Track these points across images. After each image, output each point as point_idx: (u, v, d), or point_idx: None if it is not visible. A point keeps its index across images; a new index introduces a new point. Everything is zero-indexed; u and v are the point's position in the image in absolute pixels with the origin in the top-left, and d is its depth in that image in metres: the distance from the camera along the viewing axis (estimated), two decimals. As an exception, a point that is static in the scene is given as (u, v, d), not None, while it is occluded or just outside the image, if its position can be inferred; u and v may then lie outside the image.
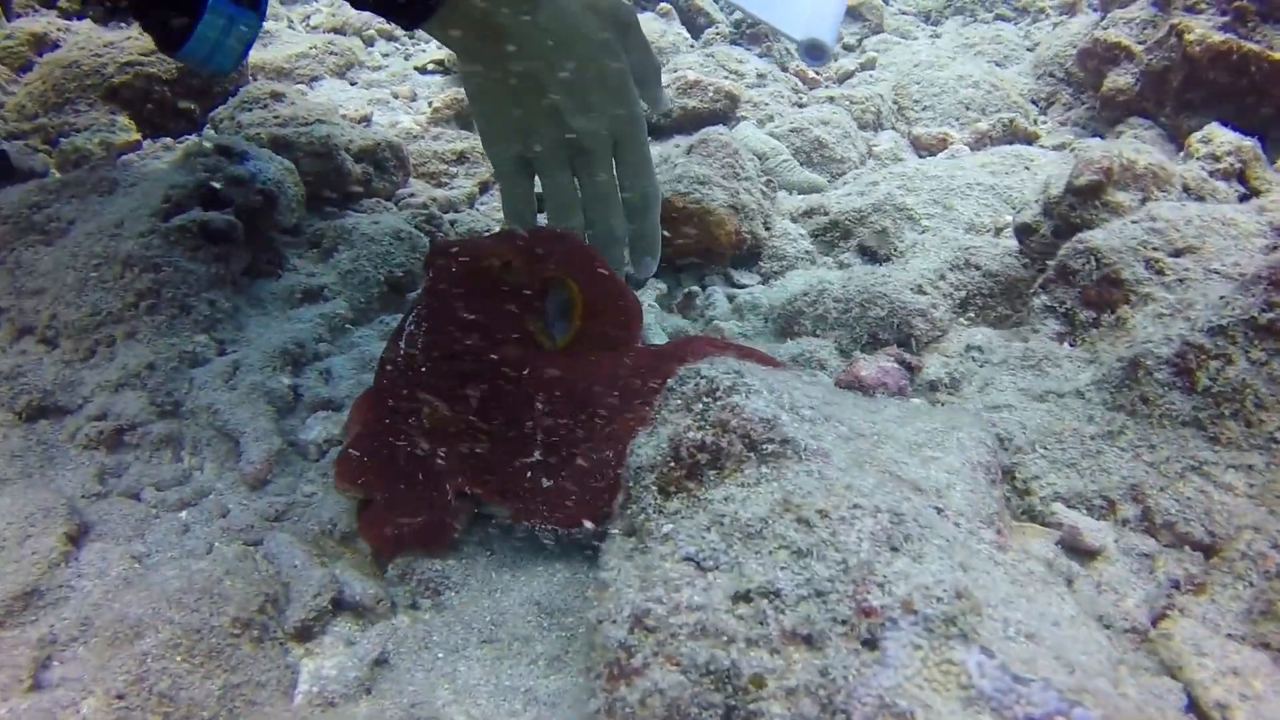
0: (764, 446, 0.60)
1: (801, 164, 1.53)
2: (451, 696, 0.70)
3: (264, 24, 1.08)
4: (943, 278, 1.09)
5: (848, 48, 2.28)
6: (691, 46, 2.04)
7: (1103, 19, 1.79)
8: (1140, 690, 0.56)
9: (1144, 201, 1.03)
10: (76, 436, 1.02)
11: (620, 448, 0.81)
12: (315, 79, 1.95)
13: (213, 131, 1.57)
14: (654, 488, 0.62)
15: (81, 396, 1.06)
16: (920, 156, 1.69)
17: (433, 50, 2.12)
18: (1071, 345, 0.95)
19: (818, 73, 2.03)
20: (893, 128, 1.77)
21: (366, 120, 1.77)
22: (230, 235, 1.18)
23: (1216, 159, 1.14)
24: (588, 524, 0.79)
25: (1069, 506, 0.78)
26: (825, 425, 0.64)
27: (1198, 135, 1.20)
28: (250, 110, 1.48)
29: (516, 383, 0.88)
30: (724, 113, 1.64)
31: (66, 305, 1.11)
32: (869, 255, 1.27)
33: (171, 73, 1.65)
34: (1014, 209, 1.29)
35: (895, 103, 1.82)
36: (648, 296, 1.22)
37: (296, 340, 1.13)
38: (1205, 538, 0.73)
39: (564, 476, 0.82)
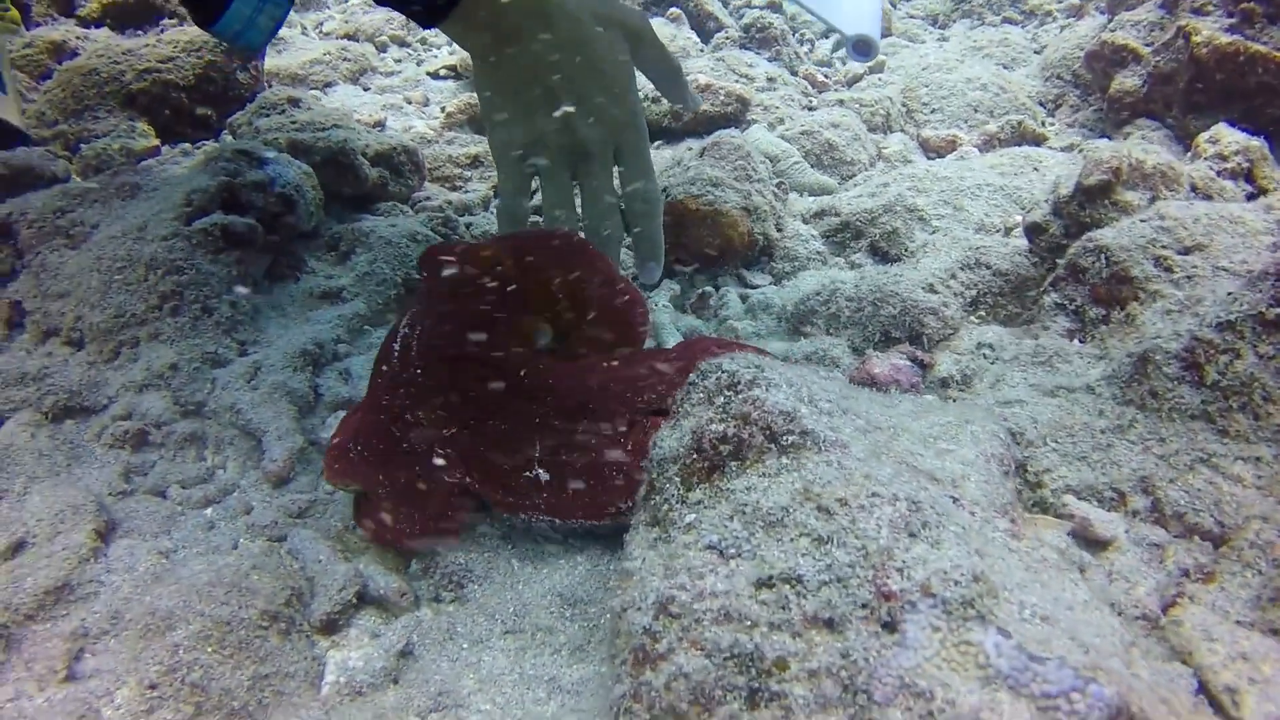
0: (784, 438, 0.62)
1: (812, 166, 1.54)
2: (476, 685, 0.71)
3: (290, 11, 1.12)
4: (953, 277, 1.11)
5: (856, 51, 2.30)
6: (701, 51, 2.06)
7: (1110, 22, 1.80)
8: (1152, 672, 0.57)
9: (1153, 200, 1.04)
10: (102, 436, 1.03)
11: (621, 445, 0.83)
12: (329, 85, 1.98)
13: (230, 137, 1.59)
14: (677, 479, 0.63)
15: (107, 397, 1.08)
16: (929, 158, 1.71)
17: (444, 56, 2.15)
18: (1081, 342, 0.97)
19: (826, 76, 2.05)
20: (901, 130, 1.78)
21: (380, 125, 1.79)
22: (251, 238, 1.20)
23: (1224, 158, 1.16)
24: (584, 520, 0.82)
25: (1080, 498, 0.79)
26: (843, 418, 0.66)
27: (1205, 135, 1.21)
28: (268, 115, 1.50)
29: (510, 383, 0.89)
30: (735, 116, 1.66)
31: (91, 308, 1.13)
32: (880, 255, 1.28)
33: (189, 79, 1.67)
34: (1023, 209, 1.30)
35: (904, 105, 1.84)
36: (661, 297, 1.24)
37: (316, 341, 1.15)
38: (1214, 528, 0.74)
39: (564, 473, 0.84)
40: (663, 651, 0.57)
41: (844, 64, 2.22)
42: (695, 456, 0.63)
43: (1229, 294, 0.82)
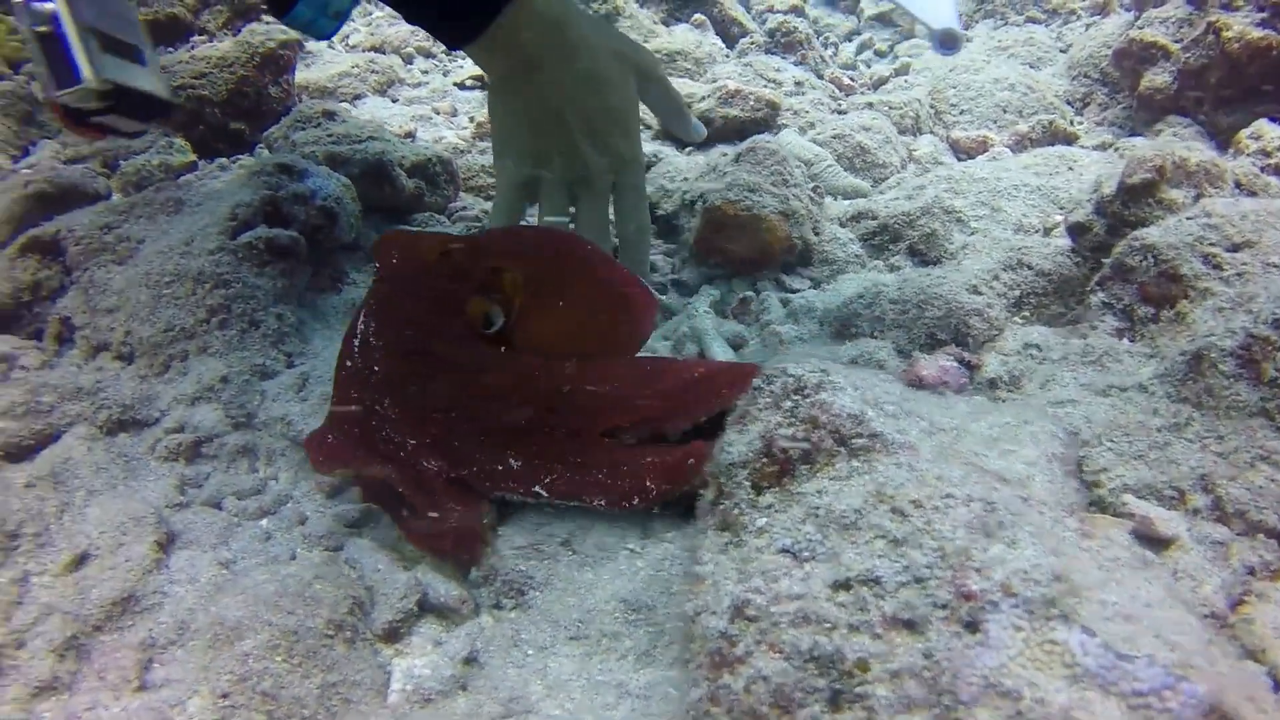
0: (854, 441, 0.62)
1: (844, 170, 1.55)
2: (545, 692, 0.72)
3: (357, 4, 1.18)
4: (996, 278, 1.11)
5: (880, 54, 2.30)
6: (727, 56, 2.07)
7: (1137, 19, 1.80)
8: (1232, 669, 0.57)
9: (1197, 198, 1.04)
10: (156, 449, 1.05)
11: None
12: (358, 97, 1.99)
13: (266, 151, 1.60)
14: (747, 483, 0.64)
15: (159, 410, 1.09)
16: (959, 159, 1.71)
17: (470, 66, 2.16)
18: (1131, 341, 0.97)
19: (852, 79, 2.05)
20: (930, 132, 1.79)
21: (411, 136, 1.80)
22: (295, 251, 1.21)
23: (1268, 154, 1.16)
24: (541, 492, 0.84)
25: (1139, 497, 0.79)
26: (907, 420, 0.66)
27: (1247, 131, 1.21)
28: (304, 129, 1.52)
29: (465, 376, 0.90)
30: (765, 121, 1.66)
31: (141, 322, 1.14)
32: (919, 258, 1.28)
33: (222, 95, 1.68)
34: (1061, 209, 1.30)
35: (932, 107, 1.84)
36: (701, 303, 1.24)
37: (363, 352, 1.16)
38: (1278, 525, 0.74)
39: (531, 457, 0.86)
40: (740, 655, 0.57)
41: (868, 67, 2.23)
42: (765, 461, 0.64)
43: (1283, 290, 0.82)
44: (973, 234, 1.26)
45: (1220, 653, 0.55)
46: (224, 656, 0.76)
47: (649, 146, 1.57)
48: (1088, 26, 2.15)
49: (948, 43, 1.16)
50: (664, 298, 1.29)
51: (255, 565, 0.89)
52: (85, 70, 0.95)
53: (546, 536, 0.83)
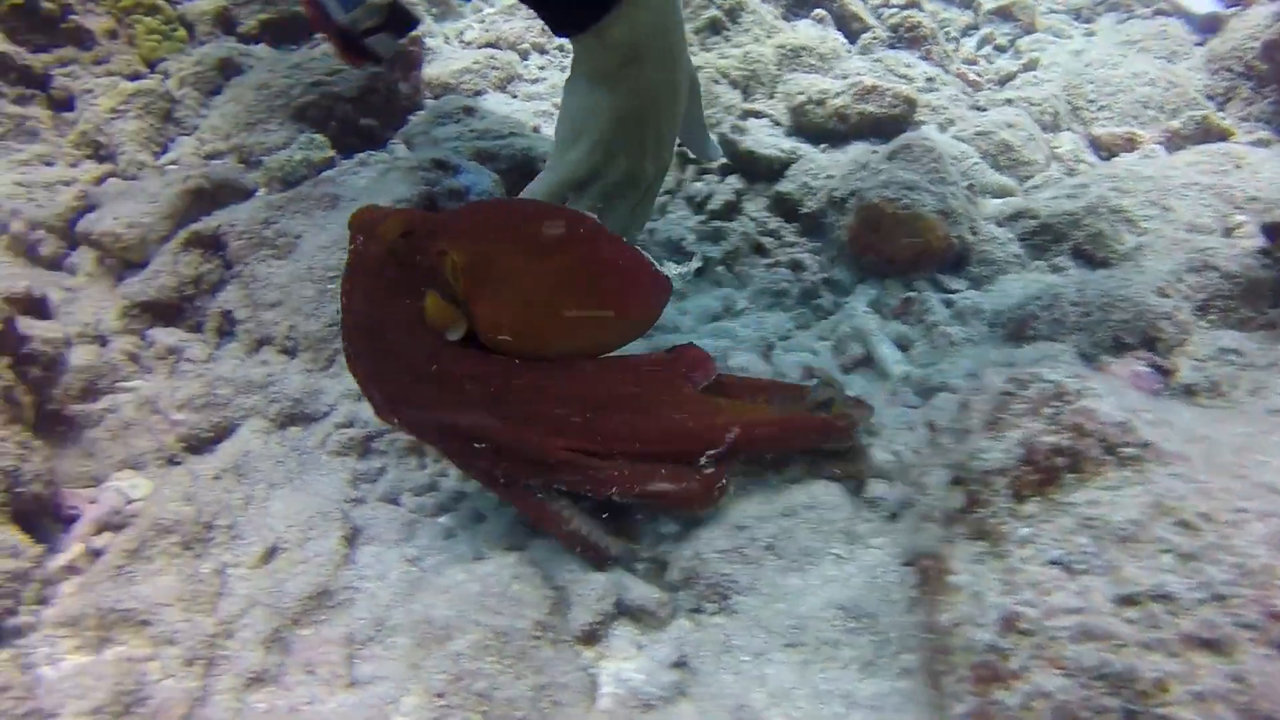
0: (1122, 450, 0.60)
1: (990, 167, 1.51)
2: (768, 700, 0.70)
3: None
4: (1180, 280, 1.07)
5: (1000, 49, 2.25)
6: (849, 52, 2.03)
7: (1288, 11, 1.73)
8: None
9: None
10: (327, 443, 1.05)
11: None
12: (479, 93, 1.99)
13: (403, 146, 1.61)
14: (1007, 491, 0.61)
15: (326, 404, 1.10)
16: (1101, 157, 1.66)
17: (586, 63, 2.15)
18: (1346, 347, 0.92)
19: (978, 75, 2.00)
20: (1069, 129, 1.74)
21: (536, 131, 1.80)
22: (453, 247, 1.21)
23: None
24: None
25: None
26: (1168, 428, 0.63)
27: None
28: (444, 125, 1.52)
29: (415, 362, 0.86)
30: (903, 118, 1.62)
31: (305, 317, 1.15)
32: (1085, 259, 1.24)
33: (354, 91, 1.70)
34: (1238, 208, 1.25)
35: (1068, 103, 1.79)
36: (859, 303, 1.22)
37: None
38: None
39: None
40: (1015, 669, 0.55)
41: (989, 63, 2.17)
42: (1027, 469, 0.61)
43: None
44: (1143, 235, 1.22)
45: None
46: (435, 656, 0.75)
47: (787, 143, 1.55)
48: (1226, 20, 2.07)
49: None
50: (818, 299, 1.26)
51: (446, 563, 0.89)
52: None
53: (749, 540, 0.81)
